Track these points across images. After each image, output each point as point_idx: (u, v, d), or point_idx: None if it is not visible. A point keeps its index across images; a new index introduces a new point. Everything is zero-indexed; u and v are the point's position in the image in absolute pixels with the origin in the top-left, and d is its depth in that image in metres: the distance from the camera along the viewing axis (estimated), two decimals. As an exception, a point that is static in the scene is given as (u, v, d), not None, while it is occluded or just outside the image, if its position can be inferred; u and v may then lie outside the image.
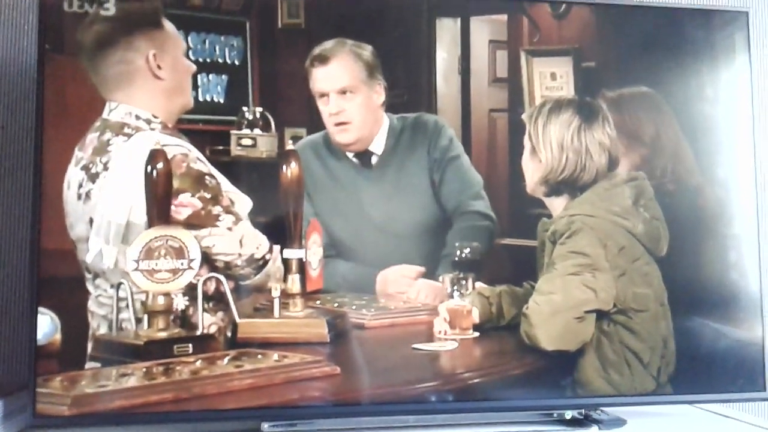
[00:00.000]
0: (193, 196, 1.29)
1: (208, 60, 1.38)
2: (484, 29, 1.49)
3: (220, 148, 1.37)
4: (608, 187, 1.42)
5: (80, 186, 1.29)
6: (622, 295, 1.38)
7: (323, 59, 1.41)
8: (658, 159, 1.48)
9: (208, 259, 1.29)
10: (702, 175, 1.50)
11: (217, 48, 1.39)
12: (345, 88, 1.43)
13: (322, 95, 1.43)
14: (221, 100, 1.39)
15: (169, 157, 1.26)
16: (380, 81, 1.44)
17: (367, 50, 1.42)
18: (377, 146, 1.47)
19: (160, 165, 1.24)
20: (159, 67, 1.32)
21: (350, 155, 1.47)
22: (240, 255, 1.31)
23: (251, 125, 1.38)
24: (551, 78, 1.49)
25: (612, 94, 1.47)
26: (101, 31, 1.30)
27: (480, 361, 1.38)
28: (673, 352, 1.42)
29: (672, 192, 1.47)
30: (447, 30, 1.49)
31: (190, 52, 1.36)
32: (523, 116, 1.44)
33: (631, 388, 1.39)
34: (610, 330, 1.38)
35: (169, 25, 1.34)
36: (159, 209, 1.25)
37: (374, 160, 1.47)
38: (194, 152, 1.31)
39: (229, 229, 1.31)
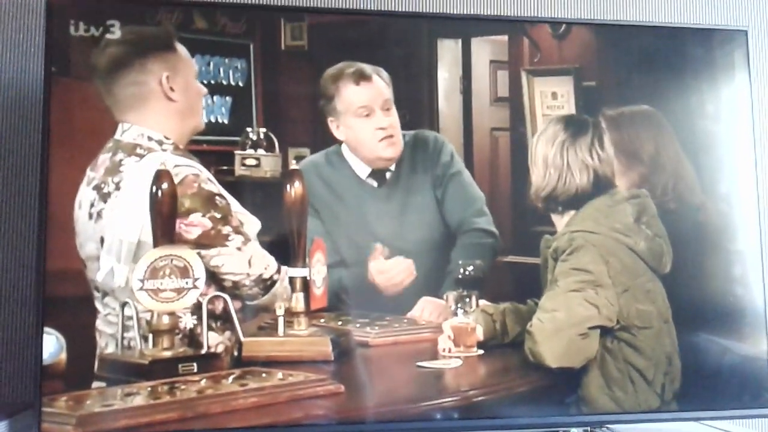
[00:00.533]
0: (203, 216, 1.30)
1: (213, 82, 1.40)
2: (485, 50, 1.51)
3: (225, 168, 1.39)
4: (610, 204, 1.42)
5: (92, 205, 1.30)
6: (625, 311, 1.38)
7: (366, 76, 1.43)
8: (659, 176, 1.48)
9: (216, 279, 1.30)
10: (704, 191, 1.50)
11: (222, 70, 1.41)
12: (388, 104, 1.45)
13: (367, 112, 1.44)
14: (225, 121, 1.41)
15: (181, 177, 1.28)
16: None
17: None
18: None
19: (164, 185, 1.25)
20: (172, 89, 1.34)
21: (364, 174, 1.48)
22: (248, 275, 1.32)
23: (255, 146, 1.40)
24: (552, 97, 1.50)
25: (613, 112, 1.48)
26: (116, 53, 1.32)
27: (484, 378, 1.38)
28: (678, 368, 1.42)
29: (674, 209, 1.47)
30: (448, 51, 1.50)
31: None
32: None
33: (636, 405, 1.39)
34: (614, 347, 1.38)
35: (181, 49, 1.36)
36: (164, 229, 1.26)
37: (388, 176, 1.48)
38: (205, 173, 1.33)
39: (239, 249, 1.31)
